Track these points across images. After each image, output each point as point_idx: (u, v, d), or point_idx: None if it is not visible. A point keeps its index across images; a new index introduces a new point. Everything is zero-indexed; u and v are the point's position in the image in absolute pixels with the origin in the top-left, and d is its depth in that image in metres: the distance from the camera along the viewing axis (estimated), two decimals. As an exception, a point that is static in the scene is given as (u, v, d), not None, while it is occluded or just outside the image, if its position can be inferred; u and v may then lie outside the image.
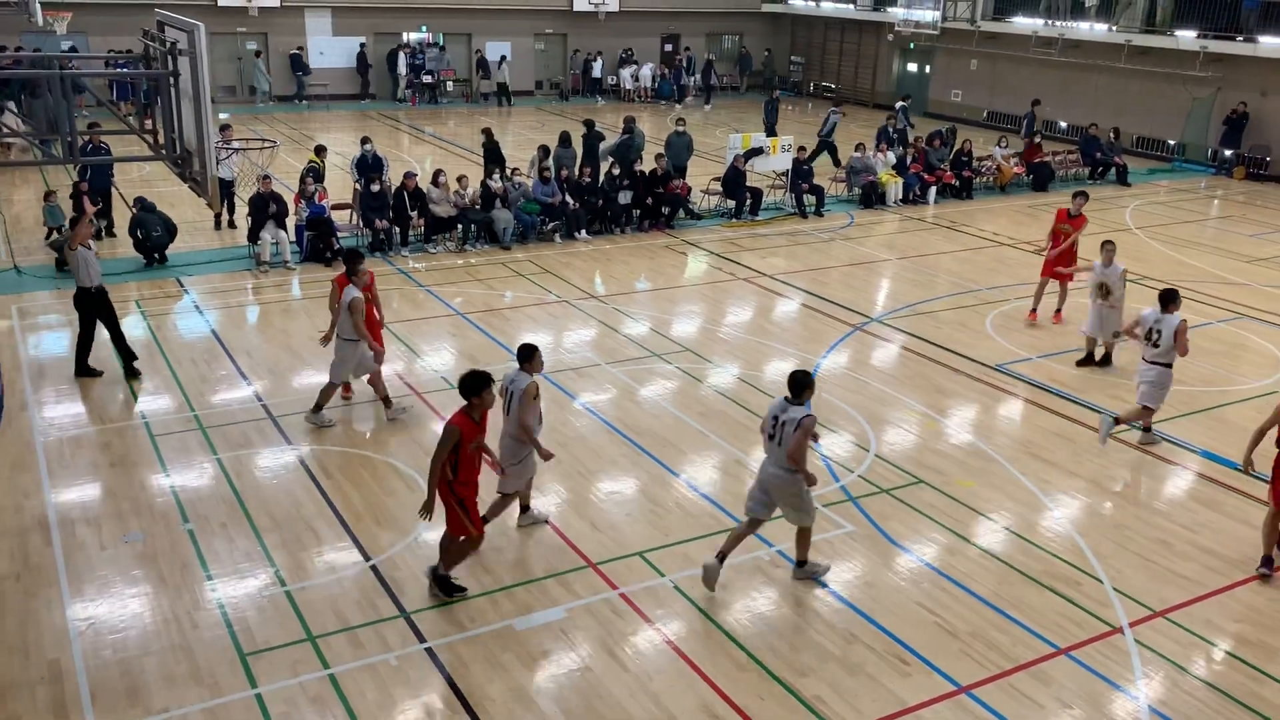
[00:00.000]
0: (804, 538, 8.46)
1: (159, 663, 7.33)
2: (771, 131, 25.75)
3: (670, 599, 8.22)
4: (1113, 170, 25.79)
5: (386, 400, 11.18)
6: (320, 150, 19.24)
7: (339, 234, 17.17)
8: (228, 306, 14.85)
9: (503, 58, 35.99)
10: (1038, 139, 25.50)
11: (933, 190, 22.89)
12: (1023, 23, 31.60)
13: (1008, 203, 23.34)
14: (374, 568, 8.55)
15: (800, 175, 21.21)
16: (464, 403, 7.85)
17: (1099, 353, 13.52)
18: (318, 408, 11.02)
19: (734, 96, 39.80)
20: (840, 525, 9.38)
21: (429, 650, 7.54)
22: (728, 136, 22.79)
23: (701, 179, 21.81)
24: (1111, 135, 26.21)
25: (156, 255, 16.41)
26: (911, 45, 36.44)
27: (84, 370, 12.06)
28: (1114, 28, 29.41)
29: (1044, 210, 22.57)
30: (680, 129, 22.01)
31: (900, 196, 22.58)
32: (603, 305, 15.30)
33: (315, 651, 7.49)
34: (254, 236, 16.49)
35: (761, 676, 7.36)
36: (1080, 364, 13.42)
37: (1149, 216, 22.39)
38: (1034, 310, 15.21)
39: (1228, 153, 27.37)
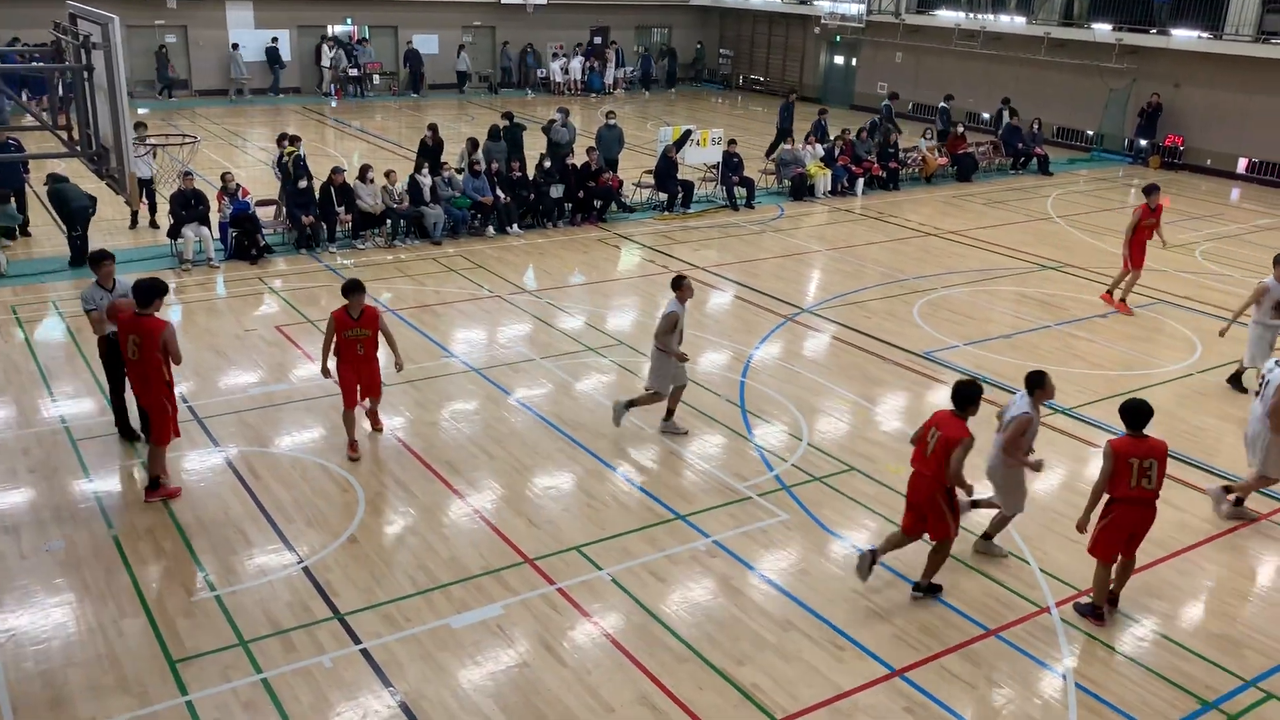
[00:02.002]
0: (1259, 484, 9.64)
1: (84, 673, 7.13)
2: (786, 135, 25.72)
3: (608, 593, 8.23)
4: (1034, 160, 26.37)
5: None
6: (295, 140, 18.67)
7: (264, 231, 16.87)
8: (150, 306, 14.46)
9: (461, 45, 36.26)
10: (959, 129, 25.99)
11: (860, 182, 23.20)
12: (945, 16, 32.15)
13: (933, 193, 23.75)
14: (306, 569, 8.43)
15: (731, 168, 21.33)
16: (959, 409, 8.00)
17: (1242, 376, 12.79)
18: (669, 414, 10.98)
19: (662, 89, 39.88)
20: (775, 514, 9.48)
21: (364, 651, 7.45)
22: (658, 130, 22.85)
23: (633, 172, 21.83)
24: (1034, 126, 26.80)
25: (80, 227, 15.77)
26: (838, 38, 36.84)
27: (124, 431, 10.47)
28: (1033, 20, 30.07)
29: (968, 200, 23.03)
30: (611, 122, 21.99)
31: (829, 188, 22.83)
32: (536, 300, 15.24)
33: (247, 656, 7.36)
34: (175, 234, 16.10)
35: (700, 667, 7.41)
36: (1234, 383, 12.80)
37: (1070, 205, 22.96)
38: (1122, 301, 15.71)
39: (1143, 142, 28.16)
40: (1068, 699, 7.25)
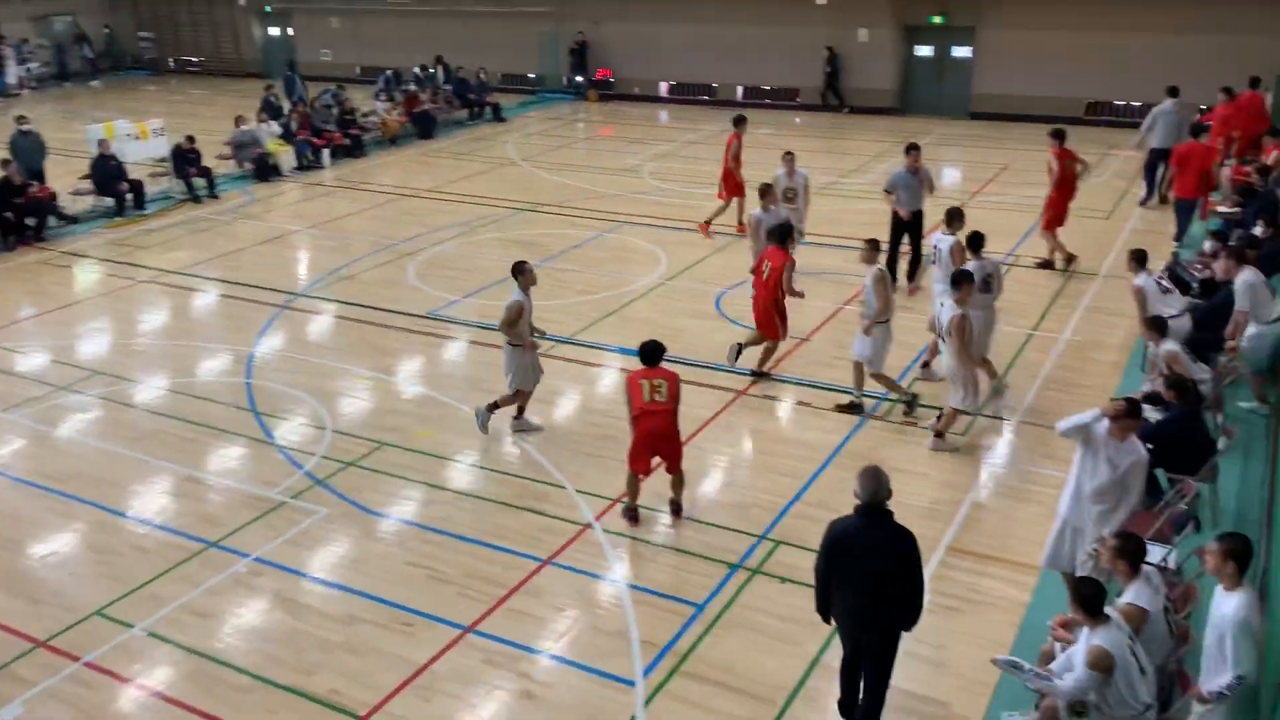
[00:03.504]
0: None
1: None
2: (292, 102, 23.66)
3: (147, 649, 7.43)
4: (488, 109, 27.41)
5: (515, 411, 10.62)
6: None
7: None
8: None
9: None
10: (415, 89, 26.23)
11: (326, 153, 22.64)
12: (371, -24, 32.03)
13: (400, 154, 23.84)
14: None
15: (185, 159, 19.72)
16: None
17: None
18: (520, 412, 10.57)
19: (83, 82, 35.67)
20: (314, 511, 9.12)
21: None
22: (87, 128, 20.48)
23: (67, 179, 19.33)
24: (479, 76, 27.77)
25: None
26: (268, 9, 35.28)
27: None
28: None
29: (435, 157, 23.43)
30: (25, 128, 19.24)
31: (295, 165, 22.01)
32: (-22, 346, 13.09)
33: None
34: None
35: (268, 691, 6.99)
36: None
37: (529, 148, 24.24)
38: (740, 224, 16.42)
39: (579, 79, 30.41)
40: (623, 600, 7.87)
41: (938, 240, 11.42)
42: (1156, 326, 9.64)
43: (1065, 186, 14.47)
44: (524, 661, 7.24)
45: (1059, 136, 14.63)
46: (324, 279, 15.32)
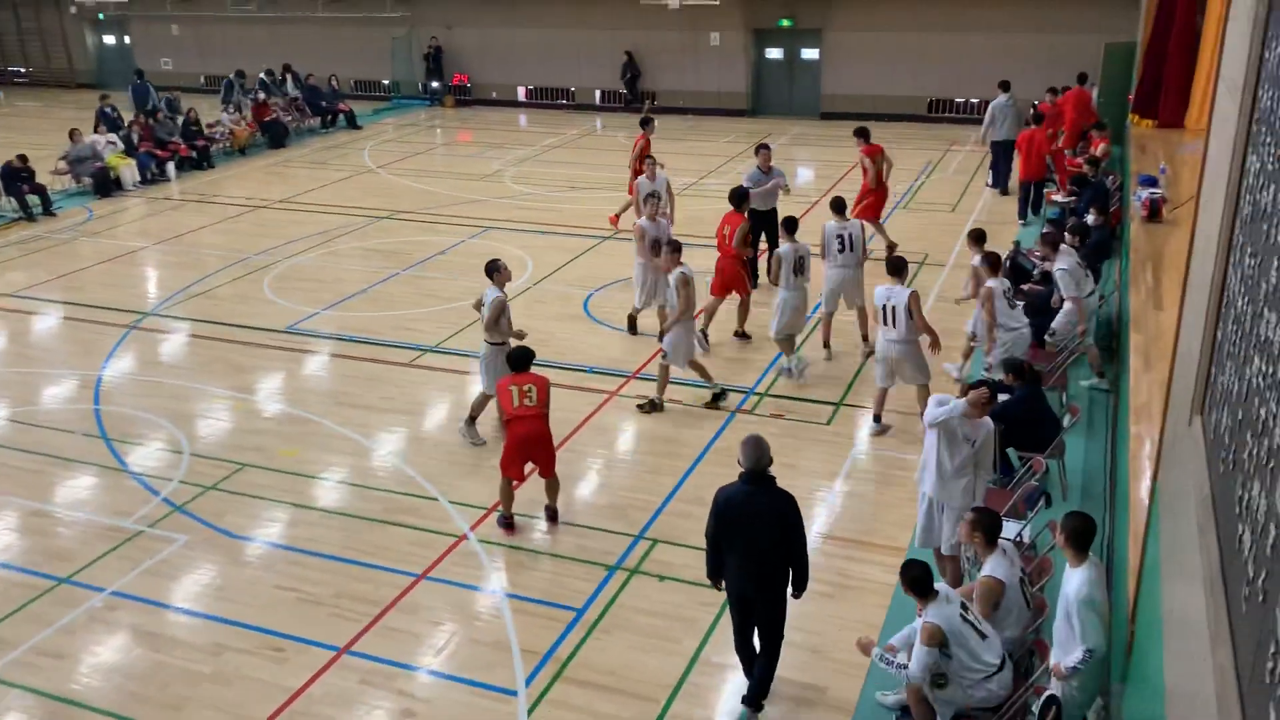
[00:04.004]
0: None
1: None
2: (153, 114, 22.51)
3: (-4, 696, 7.02)
4: (341, 116, 26.77)
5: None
6: None
7: None
8: None
9: None
10: (265, 98, 25.44)
11: (171, 165, 21.73)
12: (214, -19, 30.88)
13: (251, 164, 23.07)
14: None
15: (16, 178, 18.60)
16: None
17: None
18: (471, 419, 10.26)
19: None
20: (173, 539, 8.73)
21: None
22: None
23: (-118, 202, 18.06)
24: (331, 82, 27.10)
25: None
26: (102, 16, 33.63)
27: None
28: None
29: (288, 166, 22.76)
30: None
31: (138, 179, 21.04)
32: None
33: None
34: None
35: (133, 731, 6.68)
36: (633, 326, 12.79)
37: (386, 154, 23.78)
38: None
39: (435, 84, 30.00)
40: (502, 610, 7.80)
41: (837, 229, 11.72)
42: (977, 238, 10.60)
43: (880, 180, 15.10)
44: (403, 679, 7.11)
45: (864, 135, 15.22)
46: (175, 296, 14.70)
